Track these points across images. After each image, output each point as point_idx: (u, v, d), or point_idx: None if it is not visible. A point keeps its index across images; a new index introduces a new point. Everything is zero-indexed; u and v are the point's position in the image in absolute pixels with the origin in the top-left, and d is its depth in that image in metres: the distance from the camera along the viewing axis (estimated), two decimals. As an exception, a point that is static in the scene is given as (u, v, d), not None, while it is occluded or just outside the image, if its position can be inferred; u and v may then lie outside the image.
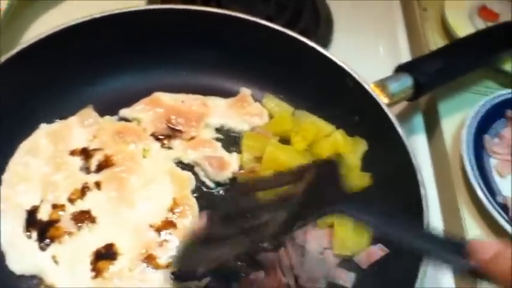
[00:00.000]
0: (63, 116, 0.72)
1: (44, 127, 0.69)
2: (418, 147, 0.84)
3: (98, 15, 0.74)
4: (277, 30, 0.80)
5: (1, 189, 0.62)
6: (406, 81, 0.77)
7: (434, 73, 0.79)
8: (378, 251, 0.67)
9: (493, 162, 0.78)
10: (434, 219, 0.74)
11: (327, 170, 0.55)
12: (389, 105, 0.74)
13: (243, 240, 0.51)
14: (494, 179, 0.76)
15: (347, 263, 0.67)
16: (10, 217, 0.60)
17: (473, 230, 0.73)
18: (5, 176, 0.63)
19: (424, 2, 1.01)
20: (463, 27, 0.93)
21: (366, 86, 0.75)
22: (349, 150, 0.75)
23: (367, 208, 0.53)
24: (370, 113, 0.75)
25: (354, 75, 0.76)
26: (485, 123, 0.81)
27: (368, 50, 0.98)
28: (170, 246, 0.62)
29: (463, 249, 0.48)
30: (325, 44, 0.96)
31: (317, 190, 0.52)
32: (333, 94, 0.78)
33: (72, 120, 0.71)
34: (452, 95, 0.89)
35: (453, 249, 0.49)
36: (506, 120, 0.82)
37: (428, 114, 0.89)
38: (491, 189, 0.73)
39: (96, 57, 0.76)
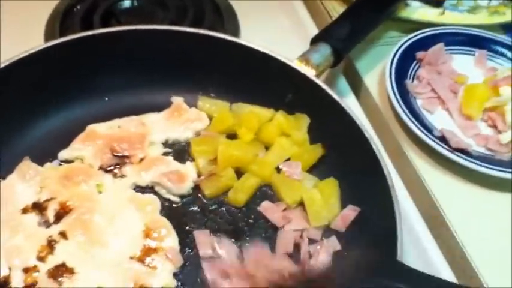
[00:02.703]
0: (1, 176, 0.67)
1: (-16, 194, 0.64)
2: (351, 107, 0.88)
3: (5, 64, 0.70)
4: (186, 32, 0.81)
5: (-40, 271, 0.57)
6: (325, 50, 0.81)
7: (347, 36, 0.83)
8: (351, 212, 0.70)
9: (419, 103, 0.85)
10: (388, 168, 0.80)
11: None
12: (317, 76, 0.78)
13: None
14: (426, 117, 0.82)
15: (327, 232, 0.70)
16: (-18, 297, 0.55)
17: (424, 168, 0.79)
18: (-40, 257, 0.58)
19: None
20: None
21: (291, 64, 0.78)
22: (293, 127, 0.78)
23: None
24: (302, 88, 0.78)
25: (277, 56, 0.78)
26: (402, 69, 0.88)
27: (276, 32, 1.01)
28: (159, 271, 0.61)
29: None
30: (235, 36, 0.98)
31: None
32: (261, 80, 0.80)
33: (12, 177, 0.66)
34: (364, 52, 0.96)
35: None
36: (418, 61, 0.90)
37: (349, 75, 0.94)
38: (426, 127, 0.79)
39: (14, 106, 0.72)
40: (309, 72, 0.77)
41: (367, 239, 0.67)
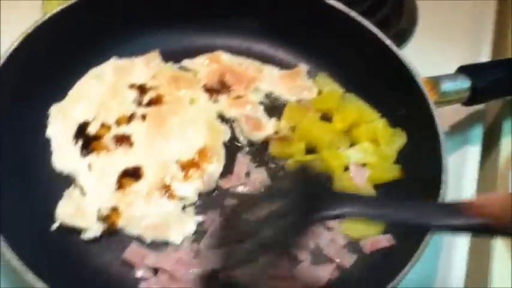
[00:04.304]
0: (133, 55, 0.80)
1: (114, 60, 0.79)
2: (468, 159, 0.80)
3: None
4: (351, 18, 0.80)
5: (65, 101, 0.74)
6: (463, 83, 0.74)
7: (498, 81, 0.75)
8: (385, 241, 0.67)
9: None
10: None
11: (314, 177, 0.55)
12: (437, 103, 0.73)
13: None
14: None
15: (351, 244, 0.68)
16: (65, 125, 0.71)
17: (499, 262, 0.69)
18: (70, 92, 0.75)
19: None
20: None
21: (417, 80, 0.74)
22: (386, 140, 0.75)
23: (368, 202, 0.52)
24: (416, 108, 0.73)
25: (409, 67, 0.75)
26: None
27: (447, 49, 0.93)
28: (188, 182, 0.69)
29: (467, 209, 0.46)
30: (406, 36, 0.95)
31: (311, 197, 0.51)
32: (387, 84, 0.78)
33: (139, 59, 0.80)
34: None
35: (457, 214, 0.46)
36: None
37: (490, 127, 0.84)
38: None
39: (174, 8, 0.82)
40: (430, 96, 0.72)
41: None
